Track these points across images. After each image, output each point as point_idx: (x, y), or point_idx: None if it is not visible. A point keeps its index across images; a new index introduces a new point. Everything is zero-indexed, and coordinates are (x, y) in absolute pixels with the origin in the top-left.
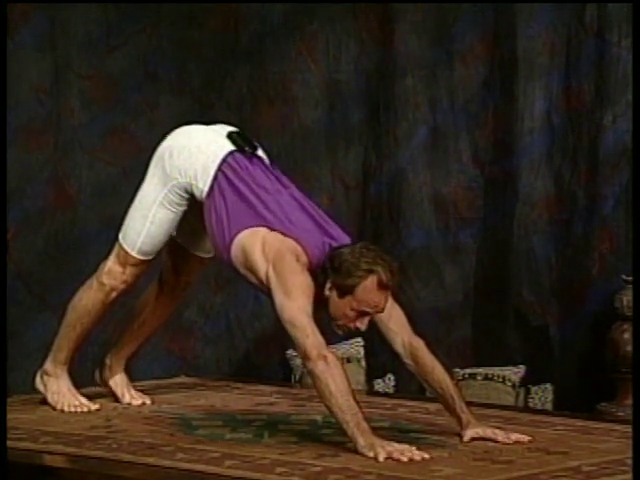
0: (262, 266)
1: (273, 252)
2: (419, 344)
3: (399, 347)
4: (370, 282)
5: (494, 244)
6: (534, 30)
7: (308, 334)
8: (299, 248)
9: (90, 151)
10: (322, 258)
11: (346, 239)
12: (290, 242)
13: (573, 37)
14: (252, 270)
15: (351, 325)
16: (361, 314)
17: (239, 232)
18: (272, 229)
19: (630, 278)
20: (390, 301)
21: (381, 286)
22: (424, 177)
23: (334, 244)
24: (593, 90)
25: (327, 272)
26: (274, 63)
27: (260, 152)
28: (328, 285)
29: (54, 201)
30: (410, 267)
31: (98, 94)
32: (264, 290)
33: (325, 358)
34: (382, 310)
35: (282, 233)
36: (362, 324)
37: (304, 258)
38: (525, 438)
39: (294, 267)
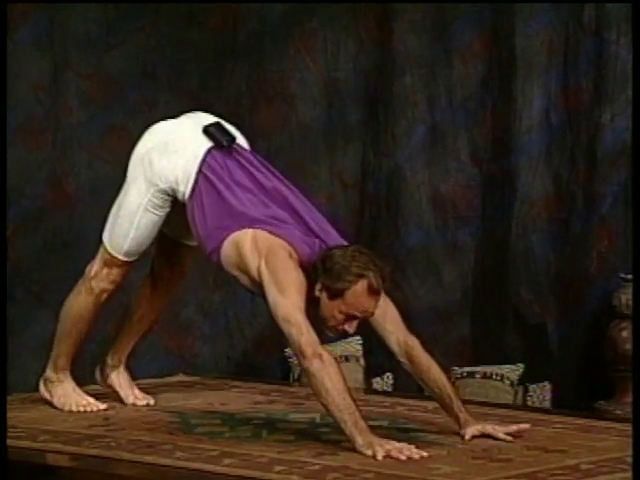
0: (254, 261)
1: (266, 248)
2: (414, 343)
3: (394, 346)
4: (360, 287)
5: (492, 242)
6: (533, 29)
7: (303, 332)
8: (289, 245)
9: (89, 150)
10: (312, 256)
11: (335, 236)
12: (280, 240)
13: (571, 36)
14: (243, 267)
15: (340, 327)
16: (350, 317)
17: (228, 235)
18: (260, 229)
19: (629, 276)
20: (384, 300)
21: (371, 291)
22: (422, 175)
23: (323, 244)
24: (591, 88)
25: (318, 273)
26: (273, 62)
27: (240, 140)
28: (318, 286)
29: (53, 200)
30: (408, 265)
31: (97, 93)
32: (255, 290)
33: (320, 356)
34: (371, 315)
35: (270, 232)
36: (351, 327)
37: (295, 255)
38: (525, 426)
39: (287, 263)
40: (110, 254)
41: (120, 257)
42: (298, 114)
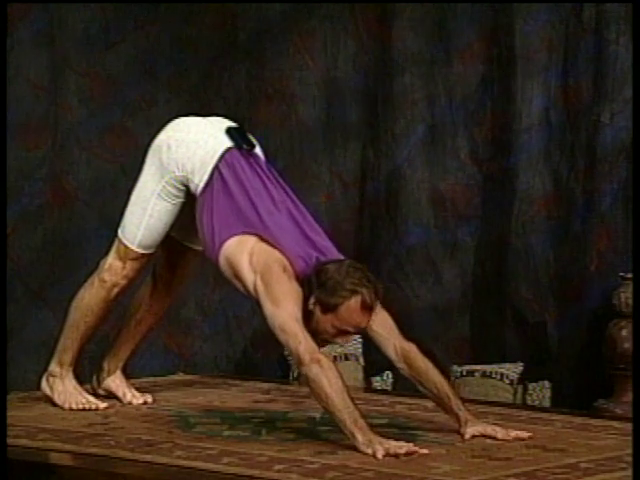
0: (249, 277)
1: (261, 264)
2: (411, 347)
3: (391, 352)
4: (354, 303)
5: (492, 241)
6: (532, 27)
7: (300, 339)
8: (286, 259)
9: (88, 148)
10: (307, 269)
11: (333, 251)
12: (277, 253)
13: (571, 34)
14: (240, 280)
15: (332, 340)
16: (342, 331)
17: (228, 239)
18: (259, 236)
19: (628, 275)
20: (379, 308)
21: (364, 307)
22: (422, 174)
23: (321, 257)
24: (591, 87)
25: (312, 287)
26: (272, 60)
27: (258, 150)
28: (312, 300)
29: (52, 198)
30: (408, 264)
31: (96, 91)
32: (251, 297)
33: (319, 361)
34: (363, 330)
35: (267, 241)
36: (343, 340)
37: (290, 269)
38: (525, 434)
39: (282, 276)
40: (124, 245)
41: (134, 248)
42: (298, 113)
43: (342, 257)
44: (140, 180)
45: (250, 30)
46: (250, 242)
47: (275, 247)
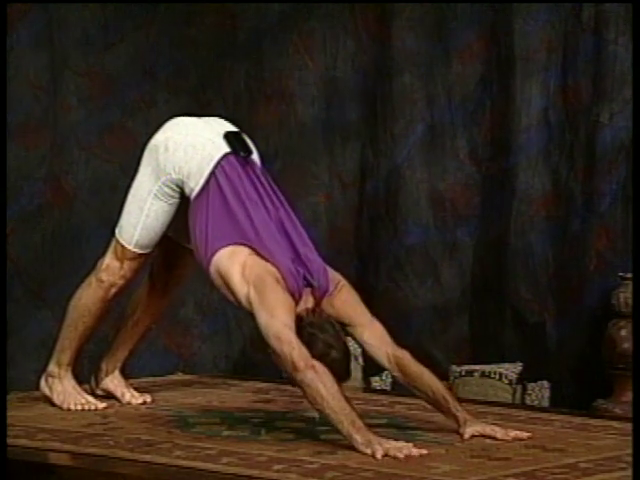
0: (242, 290)
1: (253, 276)
2: (404, 354)
3: (385, 361)
4: None
5: (491, 241)
6: (531, 27)
7: (294, 347)
8: (278, 273)
9: (87, 148)
10: (295, 286)
11: (317, 262)
12: (270, 267)
13: (570, 34)
14: (230, 291)
15: None
16: None
17: (220, 248)
18: (252, 249)
19: (628, 275)
20: (369, 318)
21: None
22: (421, 174)
23: (307, 275)
24: (590, 87)
25: (302, 334)
26: (271, 60)
27: (255, 156)
28: None
29: (51, 198)
30: (407, 264)
31: (95, 91)
32: (242, 307)
33: (314, 367)
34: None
35: (259, 254)
36: None
37: (283, 282)
38: (524, 434)
39: (275, 287)
40: (121, 245)
41: (131, 248)
42: (297, 113)
43: (328, 270)
44: (136, 179)
45: (250, 30)
46: (242, 254)
47: (268, 261)
